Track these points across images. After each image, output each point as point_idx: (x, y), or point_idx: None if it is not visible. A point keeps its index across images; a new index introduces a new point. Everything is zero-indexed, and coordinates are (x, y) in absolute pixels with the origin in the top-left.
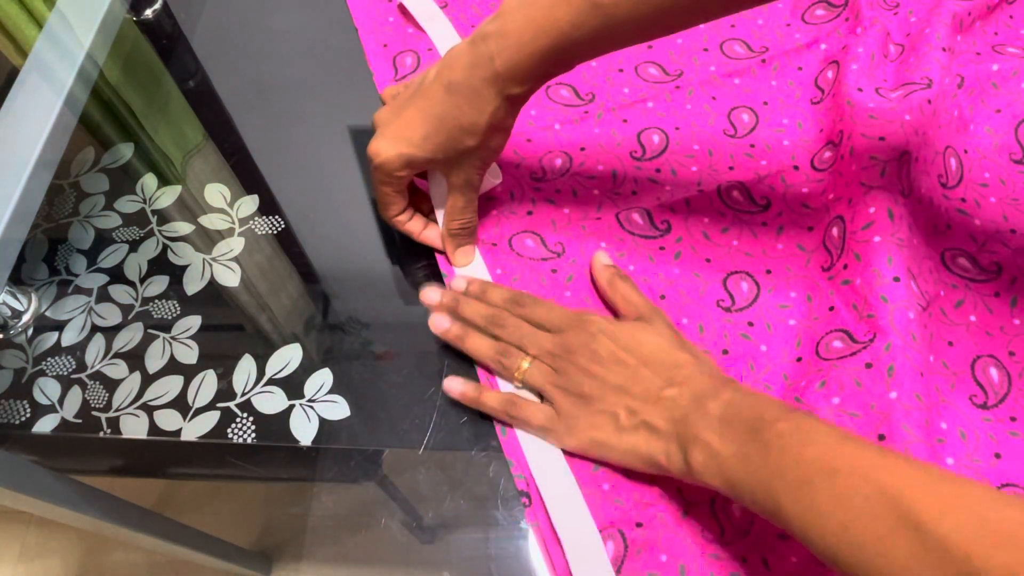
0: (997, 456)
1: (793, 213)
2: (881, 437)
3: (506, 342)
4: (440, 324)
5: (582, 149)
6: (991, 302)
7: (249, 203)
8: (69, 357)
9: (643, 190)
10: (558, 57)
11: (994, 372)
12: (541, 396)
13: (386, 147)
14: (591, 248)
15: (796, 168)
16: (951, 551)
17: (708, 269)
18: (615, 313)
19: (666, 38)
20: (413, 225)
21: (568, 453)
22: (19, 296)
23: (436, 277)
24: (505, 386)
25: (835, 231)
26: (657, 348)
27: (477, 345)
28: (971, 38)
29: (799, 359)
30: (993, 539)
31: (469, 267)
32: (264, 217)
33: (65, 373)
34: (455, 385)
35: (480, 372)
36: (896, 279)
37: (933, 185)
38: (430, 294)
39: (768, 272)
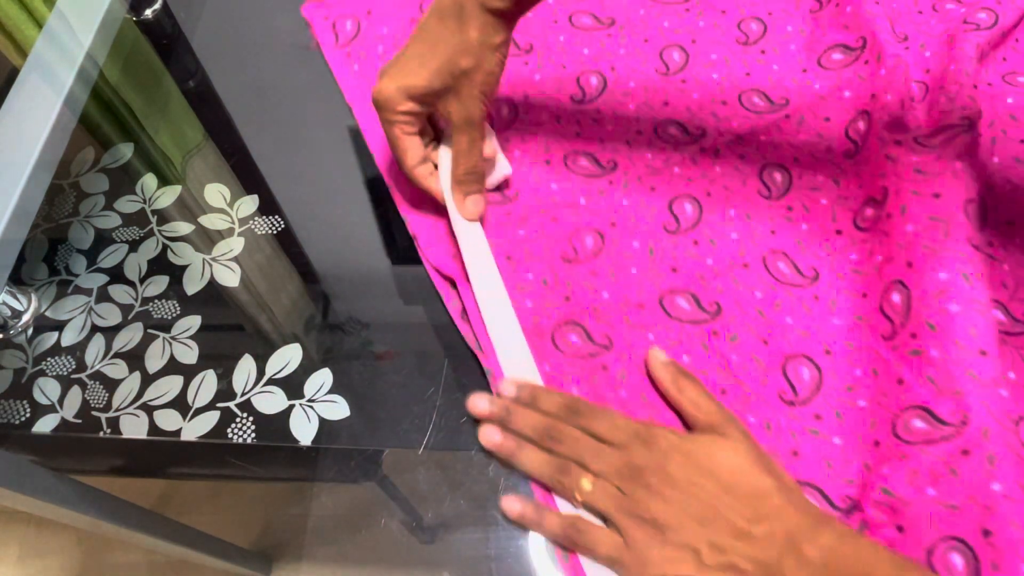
0: None
1: (844, 281)
2: (986, 533)
3: (564, 457)
4: (491, 438)
5: (613, 224)
6: None
7: (249, 203)
8: (69, 357)
9: (683, 266)
10: None
11: None
12: (605, 520)
13: (385, 85)
14: (640, 342)
15: (839, 232)
16: None
17: (766, 353)
18: (680, 417)
19: (679, 91)
20: (435, 182)
21: None
22: (19, 296)
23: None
24: (565, 505)
25: (896, 297)
26: (739, 471)
27: (532, 461)
28: (984, 67)
29: (877, 443)
30: None
31: (517, 365)
32: (264, 217)
33: (65, 373)
34: (513, 506)
35: (535, 488)
36: (983, 352)
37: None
38: (478, 403)
39: (828, 352)
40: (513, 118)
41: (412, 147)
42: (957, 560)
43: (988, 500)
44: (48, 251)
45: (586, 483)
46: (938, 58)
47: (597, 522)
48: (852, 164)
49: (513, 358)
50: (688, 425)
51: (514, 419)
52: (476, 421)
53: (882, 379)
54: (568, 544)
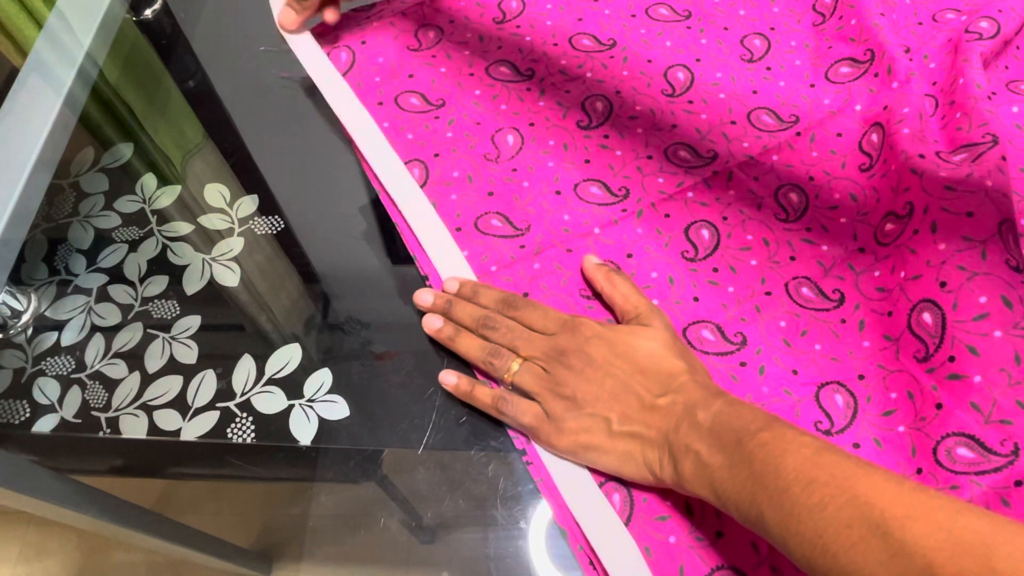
0: None
1: (871, 302)
2: None
3: (497, 343)
4: (432, 324)
5: (629, 256)
6: None
7: (249, 203)
8: (69, 357)
9: (705, 296)
10: None
11: None
12: (530, 398)
13: None
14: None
15: (862, 251)
16: (915, 559)
17: (797, 384)
18: (612, 312)
19: (687, 113)
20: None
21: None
22: (19, 296)
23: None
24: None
25: (927, 317)
26: (653, 354)
27: (468, 346)
28: (987, 76)
29: (920, 470)
30: (953, 548)
31: (446, 257)
32: (264, 217)
33: (65, 373)
34: (449, 378)
35: (476, 373)
36: None
37: None
38: (423, 296)
39: (861, 377)
40: (519, 147)
41: None
42: None
43: None
44: (48, 251)
45: (515, 364)
46: (943, 70)
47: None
48: (868, 178)
49: (445, 257)
50: (618, 318)
51: (454, 310)
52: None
53: (919, 403)
54: (495, 413)
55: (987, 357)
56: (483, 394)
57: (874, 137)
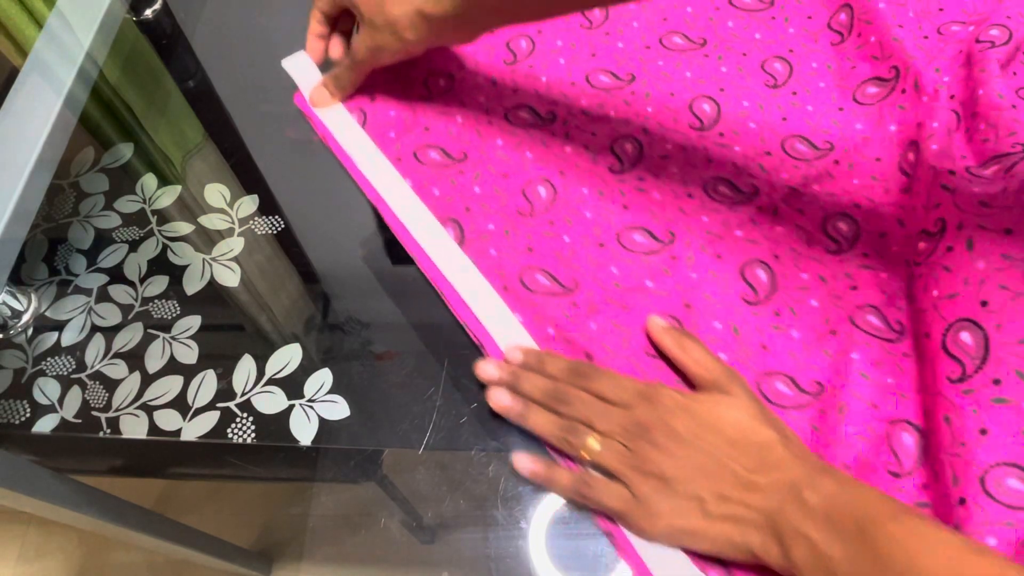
0: None
1: (919, 325)
2: None
3: (571, 418)
4: (500, 400)
5: (688, 306)
6: None
7: (249, 203)
8: (69, 357)
9: (773, 344)
10: None
11: None
12: (612, 478)
13: None
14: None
15: (920, 276)
16: None
17: (878, 419)
18: (684, 378)
19: (719, 146)
20: (314, 39)
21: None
22: (19, 296)
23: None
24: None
25: (966, 337)
26: (741, 425)
27: (541, 422)
28: (1007, 84)
29: (963, 500)
30: None
31: (500, 322)
32: (264, 217)
33: (65, 373)
34: (525, 464)
35: (549, 449)
36: None
37: None
38: (487, 369)
39: (927, 415)
40: (552, 198)
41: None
42: None
43: None
44: (48, 251)
45: (593, 442)
46: (960, 82)
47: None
48: (910, 199)
49: (498, 322)
50: (692, 384)
51: (522, 383)
52: (482, 386)
53: (955, 428)
54: (578, 499)
55: None
56: (563, 478)
57: (911, 156)
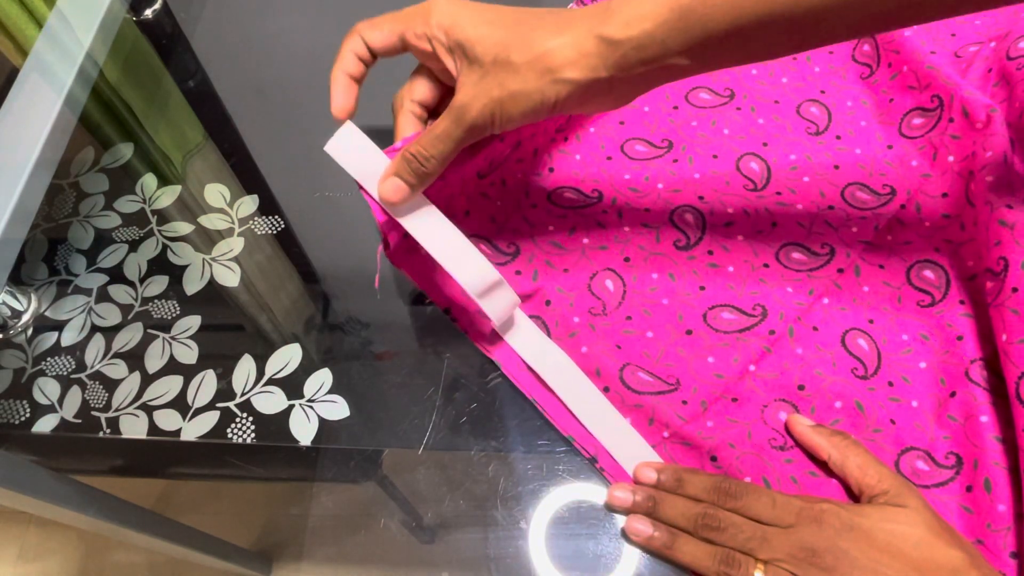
0: None
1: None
2: None
3: (725, 546)
4: (641, 531)
5: (801, 388)
6: None
7: (249, 203)
8: (69, 357)
9: (897, 415)
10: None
11: None
12: None
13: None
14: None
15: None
16: None
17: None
18: (846, 487)
19: (780, 206)
20: (405, 115)
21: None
22: (19, 296)
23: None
24: None
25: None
26: (925, 546)
27: (692, 554)
28: None
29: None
30: None
31: (612, 431)
32: (264, 217)
33: (65, 373)
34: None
35: None
36: None
37: None
38: (621, 496)
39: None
40: (623, 291)
41: (422, 82)
42: None
43: None
44: (48, 251)
45: (758, 574)
46: (998, 102)
47: None
48: (976, 234)
49: (611, 432)
50: (855, 494)
51: (663, 508)
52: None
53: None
54: None
55: None
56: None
57: (973, 187)
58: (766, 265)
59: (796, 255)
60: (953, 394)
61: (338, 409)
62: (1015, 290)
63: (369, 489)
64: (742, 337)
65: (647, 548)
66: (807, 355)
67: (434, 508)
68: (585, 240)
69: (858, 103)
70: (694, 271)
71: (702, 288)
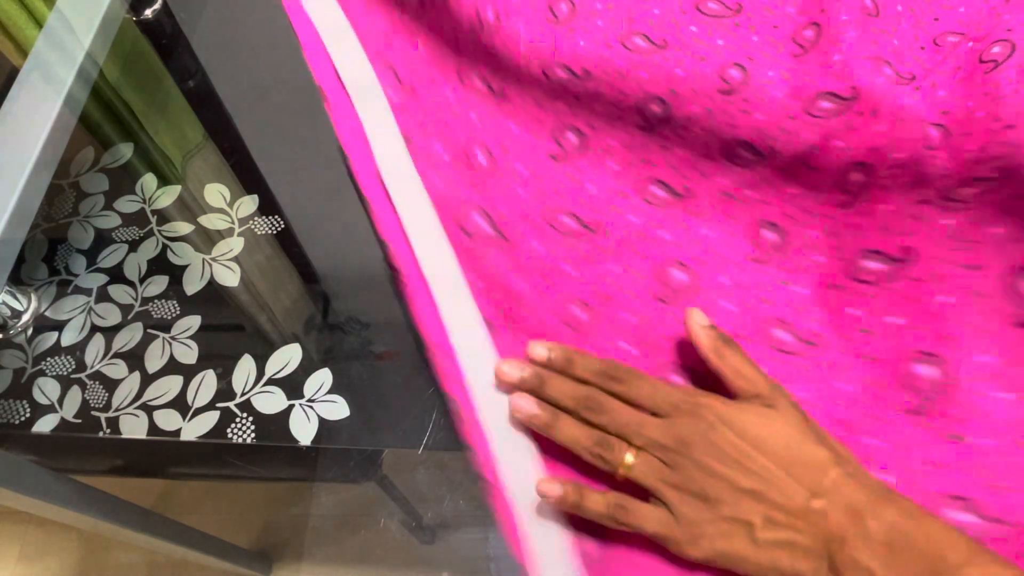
0: None
1: (852, 343)
2: None
3: (604, 429)
4: (525, 408)
5: (696, 258)
6: None
7: (249, 203)
8: (69, 357)
9: (776, 297)
10: None
11: None
12: (648, 495)
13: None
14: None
15: (836, 287)
16: None
17: (875, 369)
18: (721, 384)
19: (743, 109)
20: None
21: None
22: (19, 296)
23: None
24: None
25: (922, 370)
26: (793, 443)
27: (570, 435)
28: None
29: None
30: None
31: (437, 260)
32: (264, 217)
33: (65, 373)
34: (553, 489)
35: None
36: None
37: None
38: (509, 371)
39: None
40: (583, 144)
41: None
42: None
43: None
44: (48, 251)
45: (630, 457)
46: (956, 99)
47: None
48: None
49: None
50: (730, 394)
51: (549, 387)
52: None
53: (913, 459)
54: (614, 524)
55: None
56: (595, 503)
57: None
58: (709, 158)
59: (740, 151)
60: (832, 286)
61: (338, 409)
62: (917, 280)
63: (369, 489)
64: (663, 211)
65: (530, 425)
66: (711, 236)
67: (434, 508)
68: (560, 104)
69: (779, 74)
70: (646, 147)
71: (647, 162)
